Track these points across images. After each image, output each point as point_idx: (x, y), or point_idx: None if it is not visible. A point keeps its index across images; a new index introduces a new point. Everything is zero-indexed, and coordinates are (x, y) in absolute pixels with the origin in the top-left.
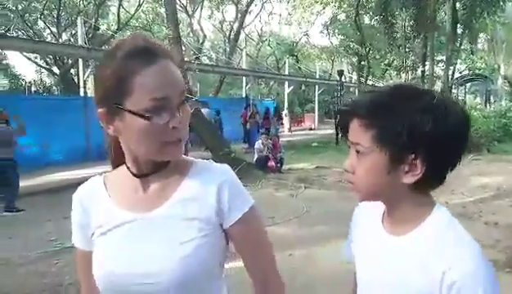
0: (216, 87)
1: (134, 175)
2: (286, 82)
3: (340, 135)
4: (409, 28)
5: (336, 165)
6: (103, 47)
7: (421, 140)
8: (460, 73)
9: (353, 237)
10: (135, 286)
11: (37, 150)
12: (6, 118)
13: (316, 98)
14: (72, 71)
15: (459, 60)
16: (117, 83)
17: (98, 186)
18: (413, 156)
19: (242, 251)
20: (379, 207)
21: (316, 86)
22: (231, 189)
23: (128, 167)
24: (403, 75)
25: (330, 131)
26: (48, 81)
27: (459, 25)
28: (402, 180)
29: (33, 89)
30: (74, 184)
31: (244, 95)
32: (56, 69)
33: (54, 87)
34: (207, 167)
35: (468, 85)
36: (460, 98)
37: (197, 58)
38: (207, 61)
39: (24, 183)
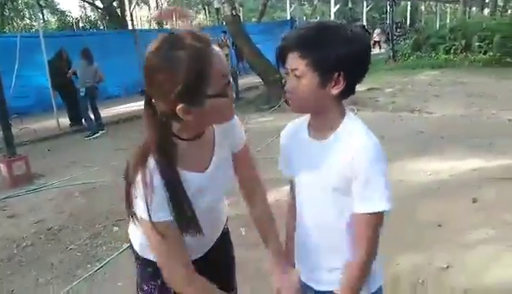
0: (260, 11)
1: (185, 139)
2: (332, 0)
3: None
4: None
5: (388, 86)
6: None
7: (342, 62)
8: None
9: (285, 155)
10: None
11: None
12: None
13: (364, 16)
14: (114, 4)
15: None
16: (197, 78)
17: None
18: (337, 74)
19: (243, 165)
20: (301, 123)
21: (364, 3)
22: (238, 131)
23: (176, 136)
24: None
25: (376, 51)
26: (93, 16)
27: None
28: (331, 93)
29: (80, 25)
30: (133, 117)
31: (288, 18)
32: (99, 3)
33: (99, 22)
34: (221, 126)
35: None
36: None
37: None
38: None
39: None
